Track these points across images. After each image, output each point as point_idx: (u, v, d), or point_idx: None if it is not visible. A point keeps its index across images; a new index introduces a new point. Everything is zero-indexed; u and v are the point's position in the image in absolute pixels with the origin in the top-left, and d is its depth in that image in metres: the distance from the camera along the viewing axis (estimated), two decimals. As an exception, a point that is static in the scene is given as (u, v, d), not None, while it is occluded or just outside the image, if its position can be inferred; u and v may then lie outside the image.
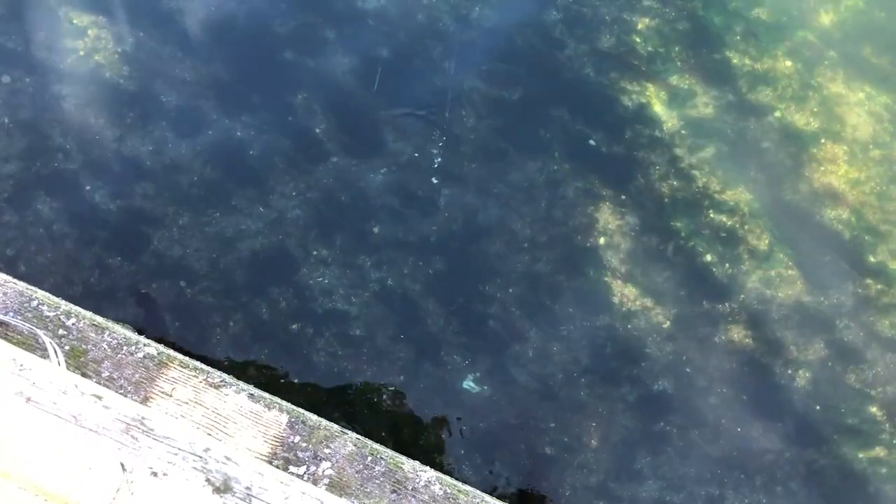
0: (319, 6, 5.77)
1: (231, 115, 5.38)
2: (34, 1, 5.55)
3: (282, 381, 4.85)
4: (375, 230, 5.22)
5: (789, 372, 5.12)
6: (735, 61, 5.85)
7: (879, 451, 4.99)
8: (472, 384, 4.92)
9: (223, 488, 2.30)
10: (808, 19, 6.02)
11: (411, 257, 5.17)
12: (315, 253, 5.12)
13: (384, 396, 4.87)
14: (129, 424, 2.37)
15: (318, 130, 5.41)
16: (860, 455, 4.98)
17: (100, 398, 2.39)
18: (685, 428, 4.96)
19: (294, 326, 4.96)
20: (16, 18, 5.51)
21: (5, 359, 2.41)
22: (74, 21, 5.52)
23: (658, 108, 5.69)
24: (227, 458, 2.31)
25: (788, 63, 5.86)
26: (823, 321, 5.24)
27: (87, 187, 5.11)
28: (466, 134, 5.49)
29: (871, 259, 5.43)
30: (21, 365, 2.39)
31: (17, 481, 2.46)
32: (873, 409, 5.08)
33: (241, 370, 4.82)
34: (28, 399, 2.37)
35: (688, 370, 5.08)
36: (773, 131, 5.68)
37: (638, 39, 5.87)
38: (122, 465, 2.46)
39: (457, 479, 3.57)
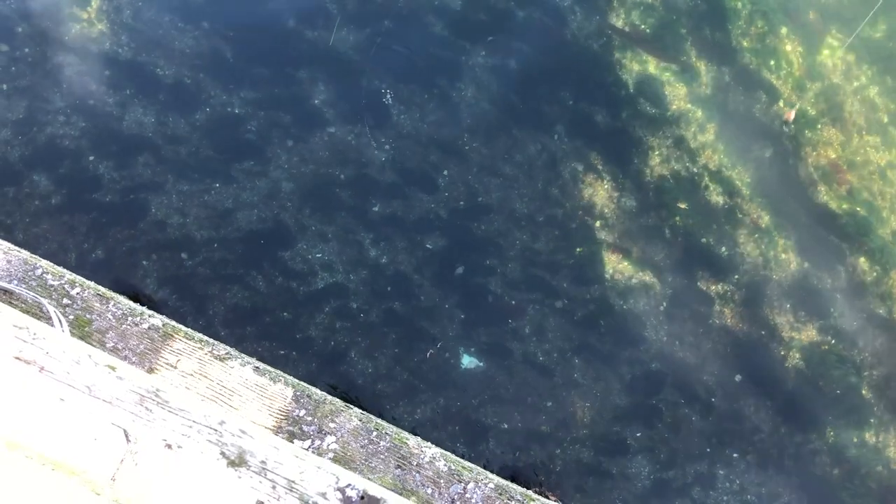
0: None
1: (230, 87, 5.33)
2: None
3: (281, 352, 4.84)
4: (376, 203, 5.20)
5: (784, 352, 5.17)
6: (738, 41, 5.85)
7: (870, 431, 5.06)
8: (470, 359, 4.93)
9: (238, 462, 2.30)
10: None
11: (409, 231, 5.16)
12: (313, 227, 5.10)
13: (379, 370, 4.87)
14: (143, 396, 2.36)
15: (316, 102, 5.38)
16: (851, 435, 5.05)
17: (114, 369, 2.38)
18: (678, 405, 5.01)
19: (291, 301, 4.95)
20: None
21: (17, 328, 2.39)
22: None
23: (662, 88, 5.69)
24: (243, 432, 2.31)
25: (791, 46, 5.86)
26: (818, 301, 5.30)
27: (90, 157, 5.05)
28: (469, 108, 5.47)
29: (868, 241, 5.47)
30: (34, 334, 2.37)
31: (24, 450, 2.45)
32: (864, 391, 5.15)
33: (237, 342, 4.81)
34: (41, 368, 2.35)
35: (682, 348, 5.12)
36: (776, 113, 5.69)
37: (642, 16, 5.85)
38: (126, 436, 2.45)
39: (449, 450, 3.59)
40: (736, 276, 5.31)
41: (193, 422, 2.34)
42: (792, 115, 4.83)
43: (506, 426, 4.83)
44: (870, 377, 5.19)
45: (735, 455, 4.96)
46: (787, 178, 5.57)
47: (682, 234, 5.38)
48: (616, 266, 5.26)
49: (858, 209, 5.53)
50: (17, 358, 2.43)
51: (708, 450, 4.95)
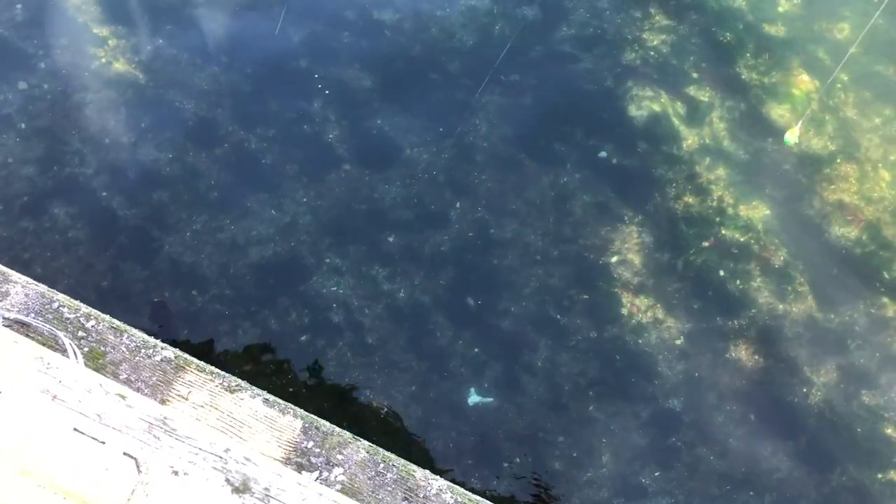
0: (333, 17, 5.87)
1: (246, 124, 5.45)
2: (57, 9, 5.64)
3: (290, 390, 4.87)
4: (390, 239, 5.26)
5: (801, 390, 5.12)
6: (748, 77, 5.90)
7: (893, 472, 4.96)
8: (478, 397, 4.93)
9: (242, 488, 2.33)
10: (823, 34, 6.06)
11: (423, 267, 5.21)
12: (328, 261, 5.16)
13: (393, 406, 4.88)
14: (151, 424, 2.41)
15: (330, 137, 5.48)
16: (873, 476, 4.95)
17: (123, 398, 2.43)
18: (695, 445, 4.96)
19: (304, 337, 4.99)
20: (37, 25, 5.60)
21: (32, 357, 2.46)
22: (94, 30, 5.60)
23: (674, 124, 5.74)
24: (247, 459, 2.35)
25: (805, 77, 5.90)
26: (836, 339, 5.25)
27: (104, 193, 5.16)
28: (479, 144, 5.54)
29: (885, 277, 5.44)
30: (48, 364, 2.43)
31: (37, 479, 2.49)
32: (887, 430, 5.06)
33: (250, 379, 4.84)
34: (54, 397, 2.41)
35: (698, 386, 5.08)
36: (788, 148, 5.71)
37: (653, 54, 5.93)
38: (137, 467, 2.49)
39: (465, 489, 3.58)
40: (752, 311, 5.29)
41: (199, 449, 2.38)
42: (797, 132, 4.86)
43: (517, 461, 4.81)
44: (893, 415, 5.11)
45: (752, 493, 4.89)
46: (802, 214, 5.57)
47: (697, 271, 5.38)
48: (631, 302, 5.25)
49: (874, 245, 5.51)
50: (36, 389, 2.49)
51: (728, 487, 4.88)
